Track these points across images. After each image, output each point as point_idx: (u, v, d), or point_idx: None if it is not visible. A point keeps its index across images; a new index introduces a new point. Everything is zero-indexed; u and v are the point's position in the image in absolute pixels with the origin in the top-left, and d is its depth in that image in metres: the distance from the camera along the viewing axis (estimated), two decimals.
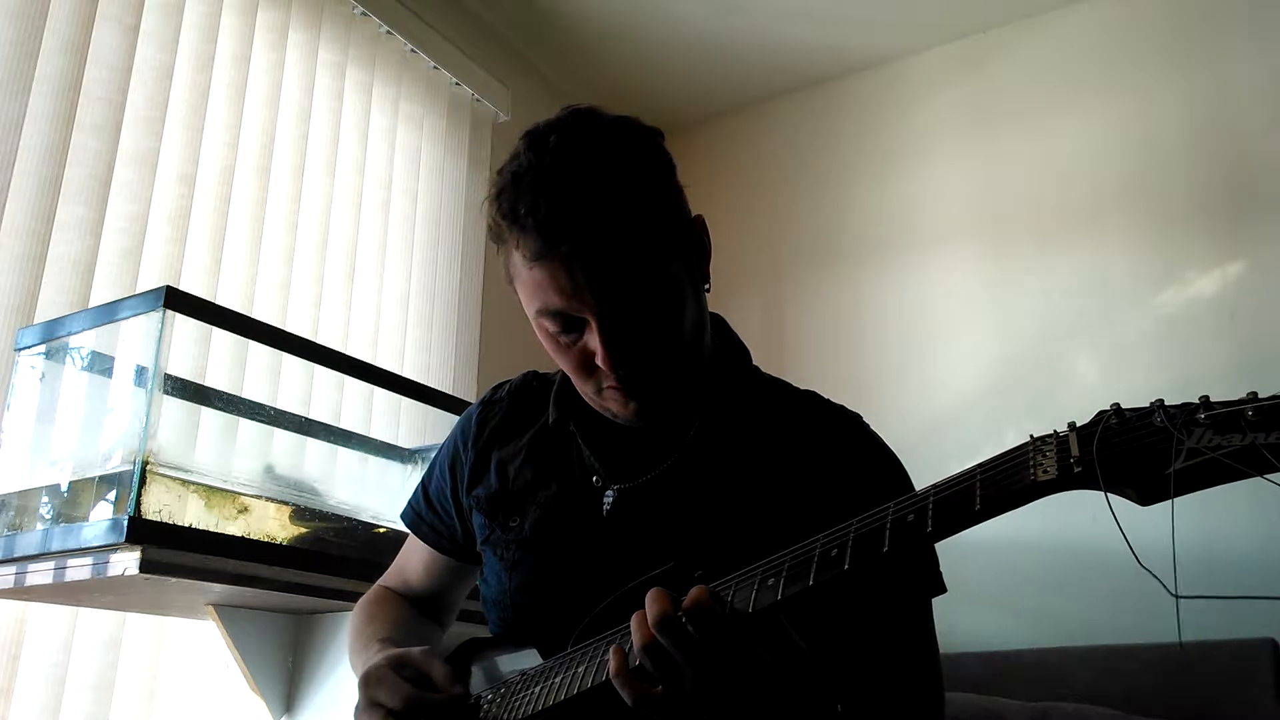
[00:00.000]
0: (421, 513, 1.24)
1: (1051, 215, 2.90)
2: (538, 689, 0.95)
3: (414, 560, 1.27)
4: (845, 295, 3.18)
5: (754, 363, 1.13)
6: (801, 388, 1.12)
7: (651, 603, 0.80)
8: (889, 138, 3.23)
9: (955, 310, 2.98)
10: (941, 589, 1.01)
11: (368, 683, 1.01)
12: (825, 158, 3.34)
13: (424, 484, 1.25)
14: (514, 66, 3.22)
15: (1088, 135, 2.89)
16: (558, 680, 0.93)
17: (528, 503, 1.09)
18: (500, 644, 1.07)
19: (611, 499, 1.04)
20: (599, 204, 0.91)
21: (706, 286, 1.05)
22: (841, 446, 1.03)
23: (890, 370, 3.03)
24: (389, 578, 1.30)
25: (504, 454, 1.14)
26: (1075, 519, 2.49)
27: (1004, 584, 2.67)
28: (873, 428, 1.08)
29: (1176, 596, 0.68)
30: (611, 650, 0.83)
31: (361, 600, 1.26)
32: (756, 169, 3.48)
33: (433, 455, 1.26)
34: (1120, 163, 2.83)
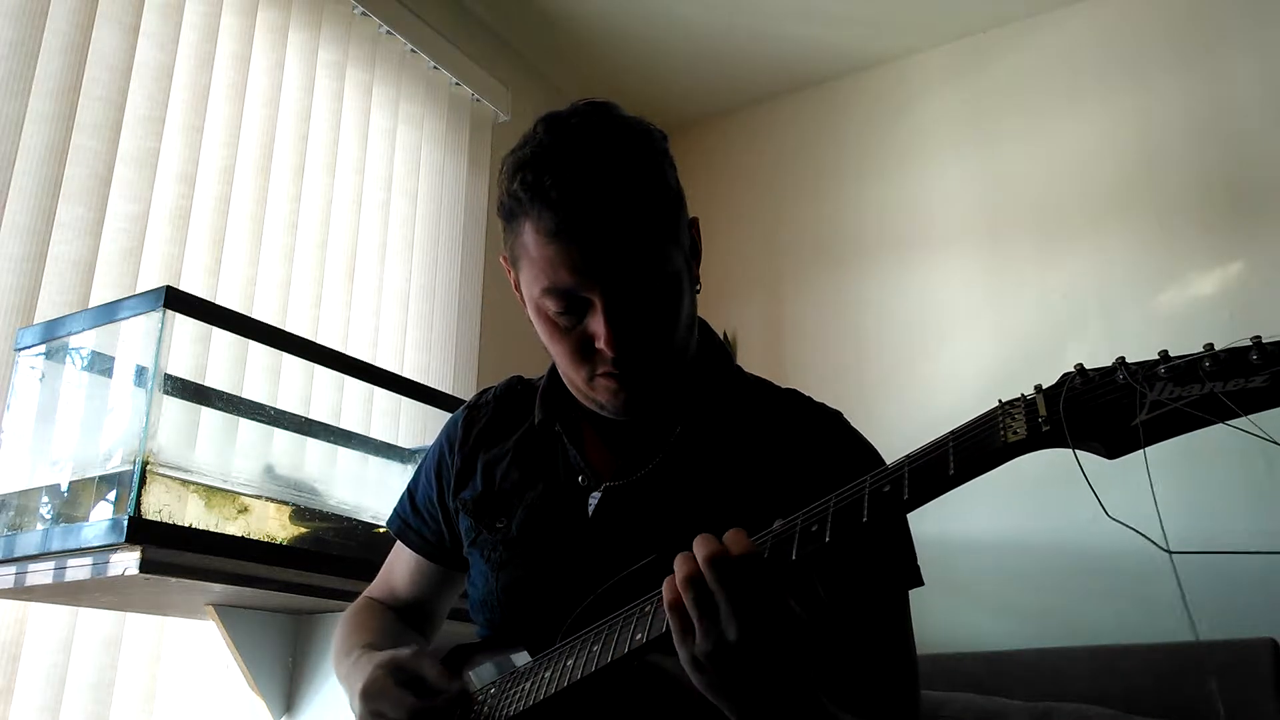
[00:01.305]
0: (408, 519, 1.24)
1: (1051, 215, 2.90)
2: (528, 684, 0.96)
3: (400, 569, 1.27)
4: (845, 295, 3.18)
5: (736, 364, 1.15)
6: (784, 386, 1.13)
7: (700, 543, 0.80)
8: (889, 138, 3.24)
9: (955, 310, 2.98)
10: (919, 581, 1.02)
11: (368, 696, 1.01)
12: (825, 158, 3.34)
13: (410, 490, 1.25)
14: (514, 66, 3.22)
15: (1088, 135, 2.89)
16: (548, 675, 0.93)
17: (514, 504, 1.10)
18: (488, 648, 1.07)
19: (597, 499, 1.05)
20: (619, 188, 0.93)
21: (697, 288, 1.06)
22: (823, 444, 1.04)
23: (890, 370, 3.03)
24: (374, 589, 1.30)
25: (490, 457, 1.15)
26: (1075, 519, 2.50)
27: (1004, 584, 2.67)
28: (854, 425, 1.09)
29: (1169, 551, 0.70)
30: (665, 581, 0.83)
31: (346, 612, 1.26)
32: (756, 169, 3.48)
33: (417, 465, 1.27)
34: (1120, 163, 2.83)
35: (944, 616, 2.56)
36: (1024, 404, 0.75)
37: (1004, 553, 2.67)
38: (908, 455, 0.78)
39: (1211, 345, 0.67)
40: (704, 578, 0.79)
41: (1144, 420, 0.67)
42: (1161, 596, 2.44)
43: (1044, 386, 0.74)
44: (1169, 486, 2.45)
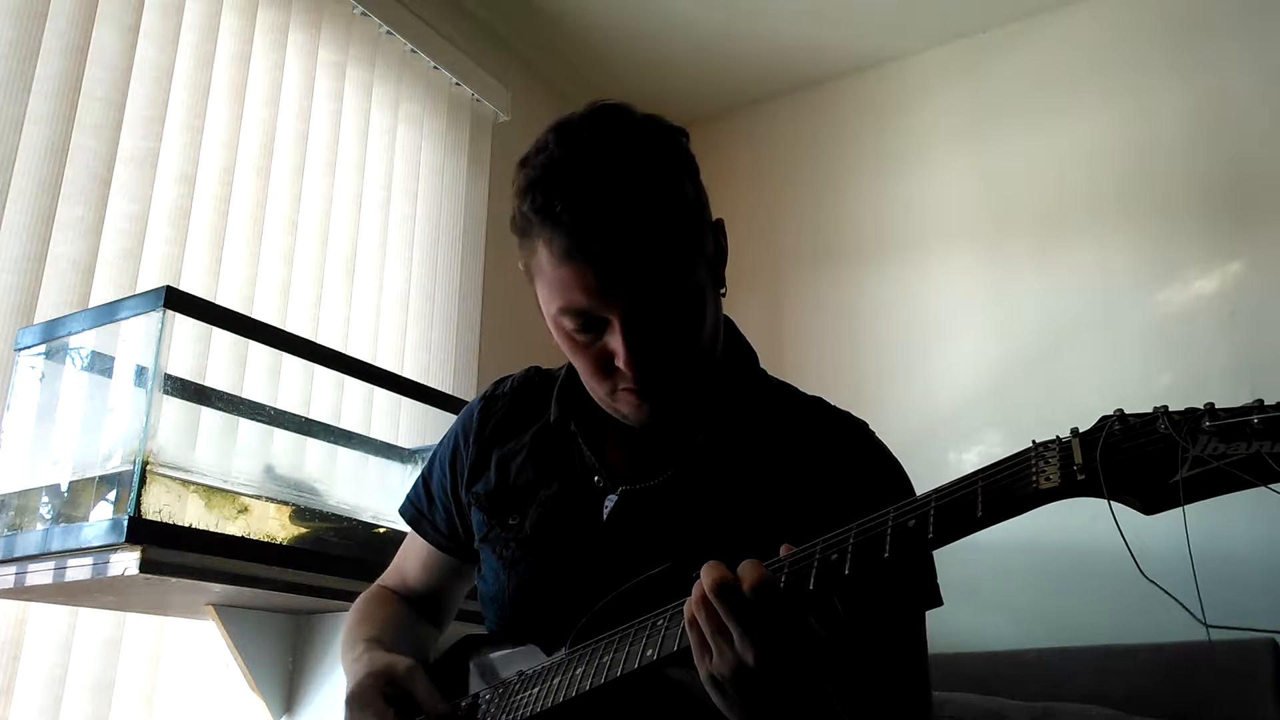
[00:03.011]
0: (421, 508, 1.22)
1: (1051, 215, 2.90)
2: (536, 690, 0.95)
3: (412, 558, 1.26)
4: (845, 295, 3.18)
5: (761, 367, 1.13)
6: (809, 393, 1.11)
7: (708, 570, 0.79)
8: (889, 138, 3.23)
9: (955, 310, 2.98)
10: (938, 602, 1.01)
11: (352, 704, 1.01)
12: (825, 158, 3.34)
13: (424, 478, 1.23)
14: (514, 66, 3.22)
15: (1087, 135, 2.89)
16: (556, 682, 0.93)
17: (528, 501, 1.08)
18: (497, 641, 1.07)
19: (613, 501, 1.03)
20: (632, 205, 0.90)
21: (723, 291, 1.04)
22: (847, 455, 1.02)
23: (890, 370, 3.03)
24: (387, 576, 1.29)
25: (505, 451, 1.13)
26: (1076, 520, 2.49)
27: (1004, 584, 2.67)
28: (878, 435, 1.07)
29: (1206, 625, 0.67)
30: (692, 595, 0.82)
31: (358, 599, 1.25)
32: (756, 169, 3.48)
33: (432, 450, 1.26)
34: (1120, 163, 2.83)
35: (944, 616, 2.55)
36: (1059, 447, 0.71)
37: (1004, 553, 2.66)
38: (935, 490, 0.76)
39: (1261, 401, 0.63)
40: (714, 604, 0.78)
41: (1185, 477, 0.64)
42: (1161, 597, 2.44)
43: (1080, 430, 0.71)
44: None
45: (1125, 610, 2.44)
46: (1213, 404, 0.65)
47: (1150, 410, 0.68)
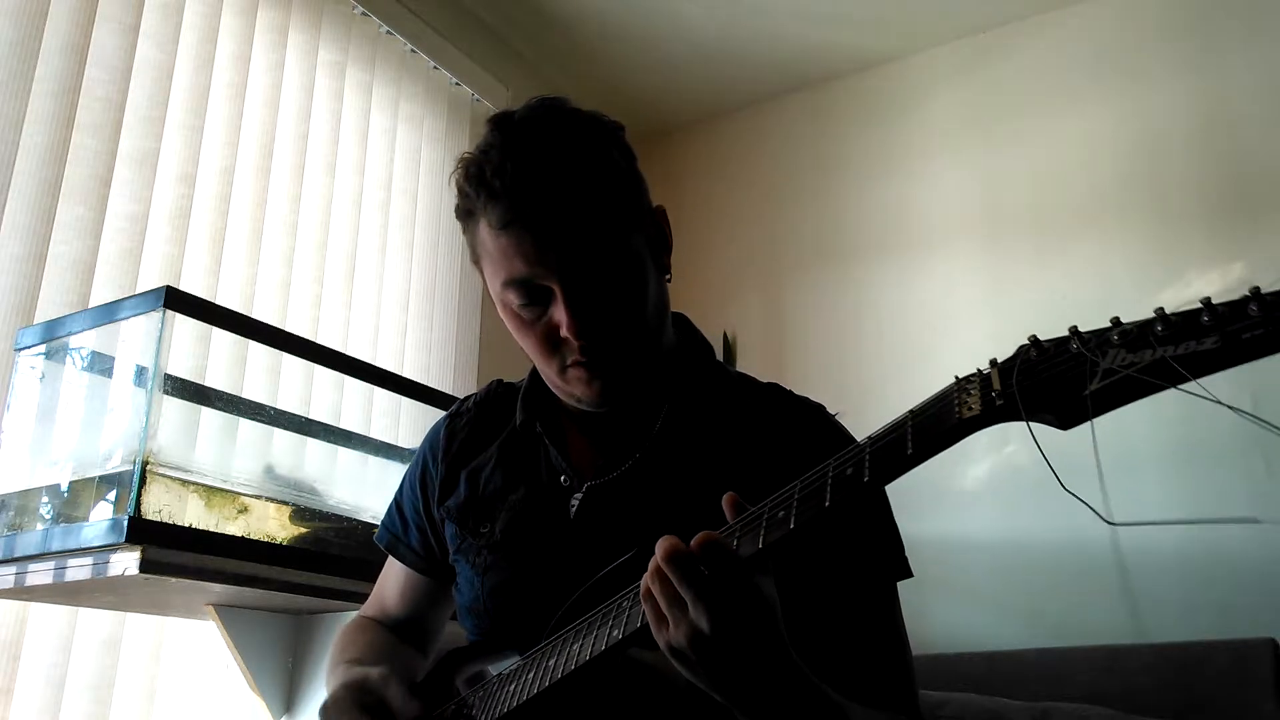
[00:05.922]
0: (396, 533, 1.24)
1: (1051, 215, 2.90)
2: (513, 686, 0.96)
3: (391, 584, 1.26)
4: (845, 295, 3.18)
5: (718, 359, 1.14)
6: (764, 380, 1.13)
7: (661, 542, 0.80)
8: (889, 138, 3.23)
9: (955, 310, 2.98)
10: (906, 573, 1.01)
11: (326, 713, 1.02)
12: (825, 158, 3.34)
13: (396, 503, 1.25)
14: (514, 66, 3.22)
15: (1088, 135, 2.89)
16: (530, 676, 0.94)
17: (497, 508, 1.09)
18: (480, 652, 1.07)
19: (579, 499, 1.05)
20: (565, 172, 0.94)
21: (667, 277, 1.06)
22: (804, 436, 1.04)
23: (890, 370, 3.02)
24: (368, 607, 1.30)
25: (474, 464, 1.14)
26: (1075, 519, 2.50)
27: (1005, 584, 2.67)
28: (844, 423, 1.08)
29: (1111, 524, 0.69)
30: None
31: (340, 630, 1.26)
32: (757, 169, 3.48)
33: (402, 475, 1.26)
34: (1120, 163, 2.83)
35: (944, 616, 2.56)
36: (979, 379, 0.74)
37: (1004, 553, 2.66)
38: (869, 436, 0.78)
39: (1162, 309, 0.65)
40: (666, 573, 0.79)
41: (1095, 390, 0.66)
42: (1161, 596, 2.44)
43: (999, 360, 0.73)
44: (1169, 486, 2.45)
45: (1125, 610, 2.44)
46: (1118, 317, 0.67)
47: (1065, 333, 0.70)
